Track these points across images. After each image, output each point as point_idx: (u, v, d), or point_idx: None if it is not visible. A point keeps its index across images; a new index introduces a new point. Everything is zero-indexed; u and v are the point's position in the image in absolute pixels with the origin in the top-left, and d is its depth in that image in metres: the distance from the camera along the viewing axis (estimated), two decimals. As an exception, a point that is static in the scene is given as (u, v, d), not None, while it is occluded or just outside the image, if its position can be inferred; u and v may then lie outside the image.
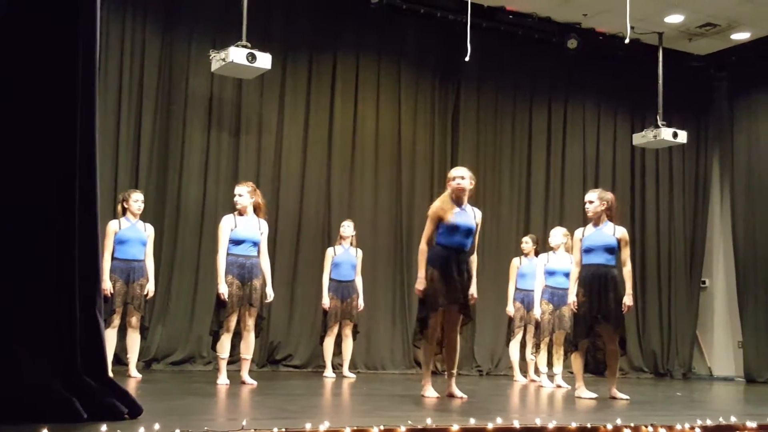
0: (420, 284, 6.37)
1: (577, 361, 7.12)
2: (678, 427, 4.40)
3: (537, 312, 8.74)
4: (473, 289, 6.49)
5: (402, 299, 10.76)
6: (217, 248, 7.16)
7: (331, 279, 9.06)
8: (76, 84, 3.59)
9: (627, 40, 9.21)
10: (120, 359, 8.08)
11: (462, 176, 6.47)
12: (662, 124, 11.34)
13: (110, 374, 4.14)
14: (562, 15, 11.29)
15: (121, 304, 7.51)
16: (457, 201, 6.46)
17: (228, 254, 7.12)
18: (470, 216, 6.45)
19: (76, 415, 3.53)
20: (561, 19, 11.42)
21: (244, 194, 7.24)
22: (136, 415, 3.84)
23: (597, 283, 6.97)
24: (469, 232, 6.41)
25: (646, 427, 4.33)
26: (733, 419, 4.78)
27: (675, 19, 11.15)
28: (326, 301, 8.96)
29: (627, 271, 7.16)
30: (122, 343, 7.78)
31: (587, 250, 7.05)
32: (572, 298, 7.11)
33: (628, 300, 7.02)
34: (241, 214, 7.22)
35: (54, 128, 3.68)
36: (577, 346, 7.09)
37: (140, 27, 9.63)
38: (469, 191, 6.50)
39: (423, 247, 6.44)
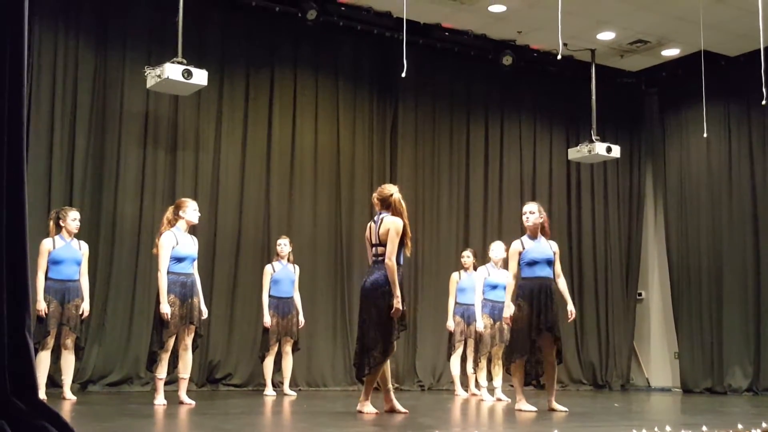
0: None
1: (517, 375, 7.08)
2: (614, 436, 4.45)
3: (480, 326, 8.73)
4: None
5: (342, 315, 10.70)
6: (159, 266, 7.07)
7: (270, 296, 9.00)
8: (2, 95, 3.51)
9: (559, 57, 9.35)
10: (54, 381, 7.90)
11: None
12: (596, 139, 11.50)
13: (42, 396, 4.04)
14: (497, 32, 11.42)
15: (55, 325, 7.37)
16: None
17: (169, 272, 7.04)
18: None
19: (5, 438, 3.43)
20: (496, 36, 11.55)
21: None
22: (67, 438, 3.74)
23: (543, 295, 7.01)
24: None
25: (584, 437, 4.37)
26: (668, 429, 4.85)
27: (607, 36, 11.35)
28: (267, 320, 8.89)
29: (565, 282, 7.28)
30: (56, 364, 7.61)
31: (531, 263, 7.06)
32: (509, 312, 7.07)
33: (573, 309, 7.19)
34: (179, 230, 7.18)
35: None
36: (514, 360, 7.09)
37: (73, 43, 9.45)
38: (376, 203, 6.47)
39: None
